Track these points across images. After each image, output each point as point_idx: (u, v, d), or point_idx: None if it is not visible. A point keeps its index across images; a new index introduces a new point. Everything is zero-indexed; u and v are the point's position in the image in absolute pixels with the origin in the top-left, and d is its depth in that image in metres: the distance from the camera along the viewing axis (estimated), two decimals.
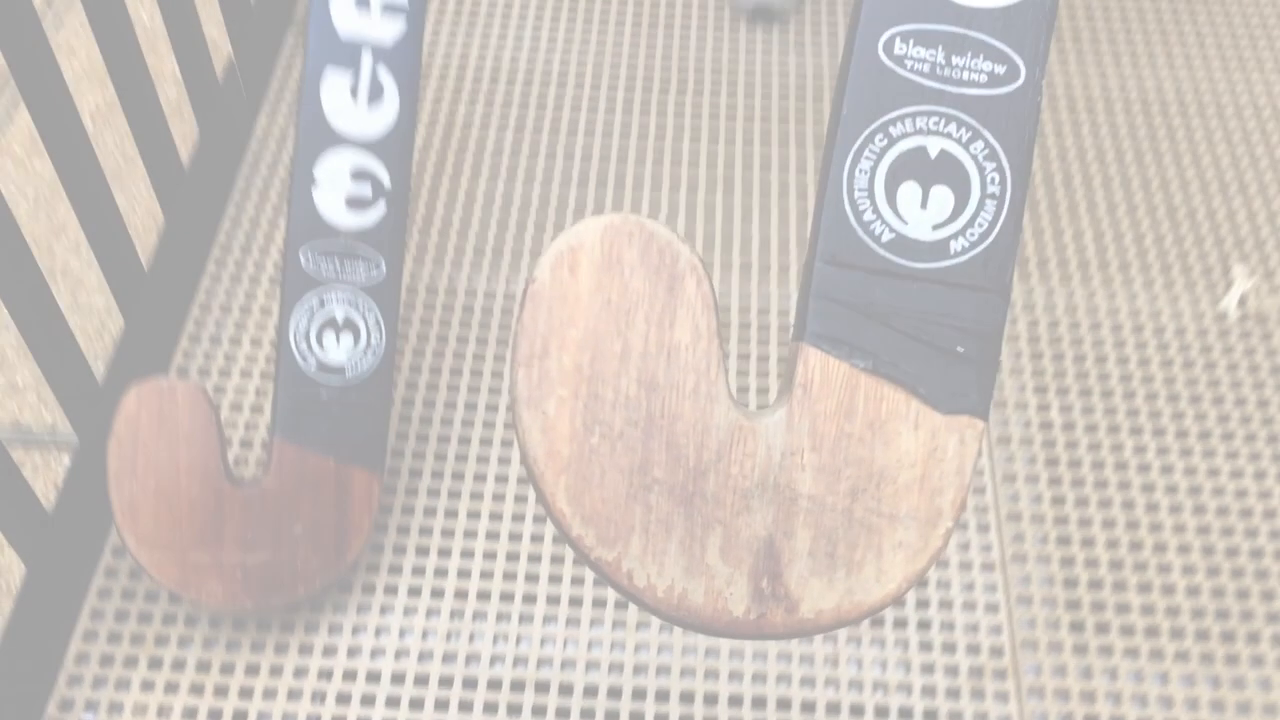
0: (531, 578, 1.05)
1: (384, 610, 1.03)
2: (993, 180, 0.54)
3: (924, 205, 0.54)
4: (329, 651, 1.01)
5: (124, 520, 0.97)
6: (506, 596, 1.04)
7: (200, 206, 1.28)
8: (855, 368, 0.53)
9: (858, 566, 0.53)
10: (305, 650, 1.01)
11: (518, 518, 1.09)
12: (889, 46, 0.54)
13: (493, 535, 1.07)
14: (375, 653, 1.01)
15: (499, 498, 1.10)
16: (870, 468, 0.53)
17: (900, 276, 0.53)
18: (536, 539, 1.07)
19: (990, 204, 0.54)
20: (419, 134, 1.36)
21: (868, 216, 0.53)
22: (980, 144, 0.54)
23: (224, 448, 1.00)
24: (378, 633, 1.02)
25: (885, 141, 0.53)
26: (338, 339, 1.03)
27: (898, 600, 0.53)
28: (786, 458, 0.53)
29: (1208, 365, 1.19)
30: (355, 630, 1.02)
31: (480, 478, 1.11)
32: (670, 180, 1.34)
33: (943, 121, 0.53)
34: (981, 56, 0.54)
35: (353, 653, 1.01)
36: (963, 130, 0.53)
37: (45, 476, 1.20)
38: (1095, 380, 1.18)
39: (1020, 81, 0.54)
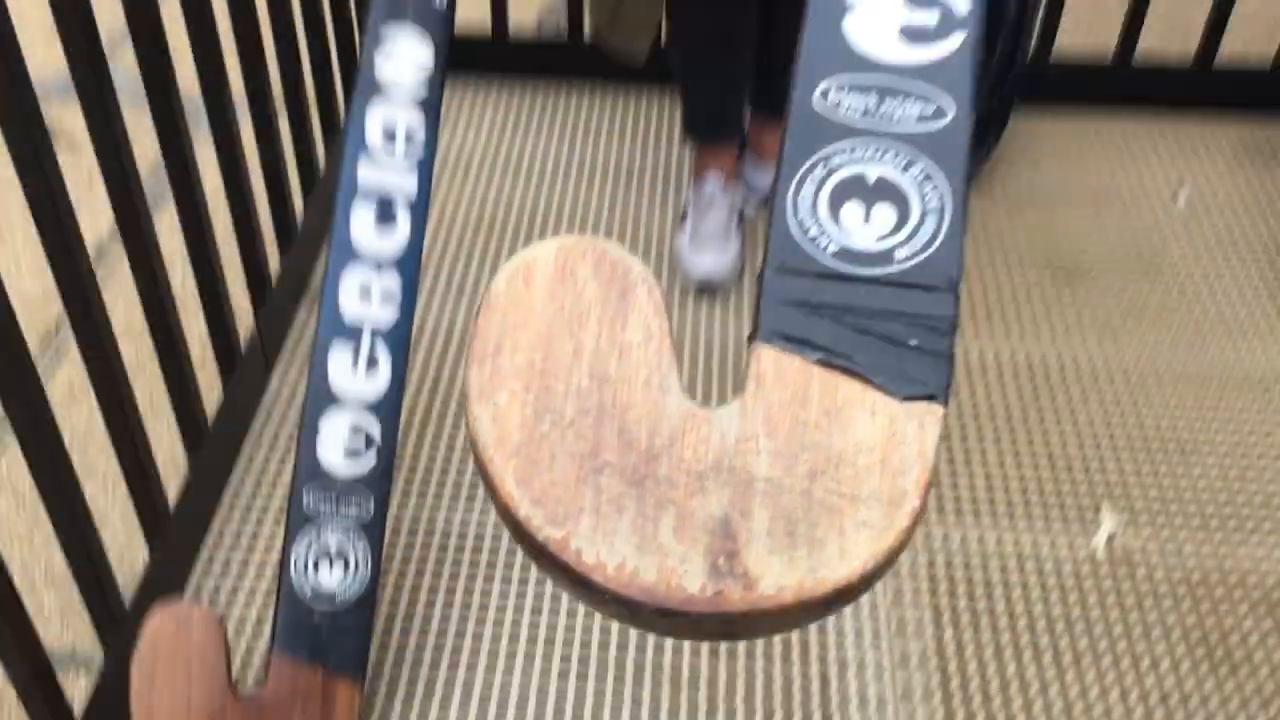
0: None
1: None
2: (931, 198, 0.58)
3: (867, 220, 0.58)
4: None
5: None
6: None
7: (219, 452, 1.49)
8: (809, 360, 0.55)
9: (819, 545, 0.52)
10: None
11: None
12: (824, 95, 0.61)
13: None
14: None
15: (463, 707, 1.26)
16: (828, 452, 0.54)
17: (849, 280, 0.57)
18: None
19: (932, 217, 0.58)
20: (408, 392, 1.58)
21: (813, 233, 0.58)
22: (917, 168, 0.59)
23: (230, 663, 1.17)
24: None
25: (825, 171, 0.59)
26: (330, 567, 1.22)
27: (867, 579, 0.52)
28: (741, 443, 0.53)
29: (1080, 596, 1.38)
30: None
31: (449, 684, 1.28)
32: None
33: (879, 152, 0.59)
34: (911, 100, 0.60)
35: None
36: (899, 158, 0.59)
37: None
38: (984, 609, 1.37)
39: (949, 119, 0.59)
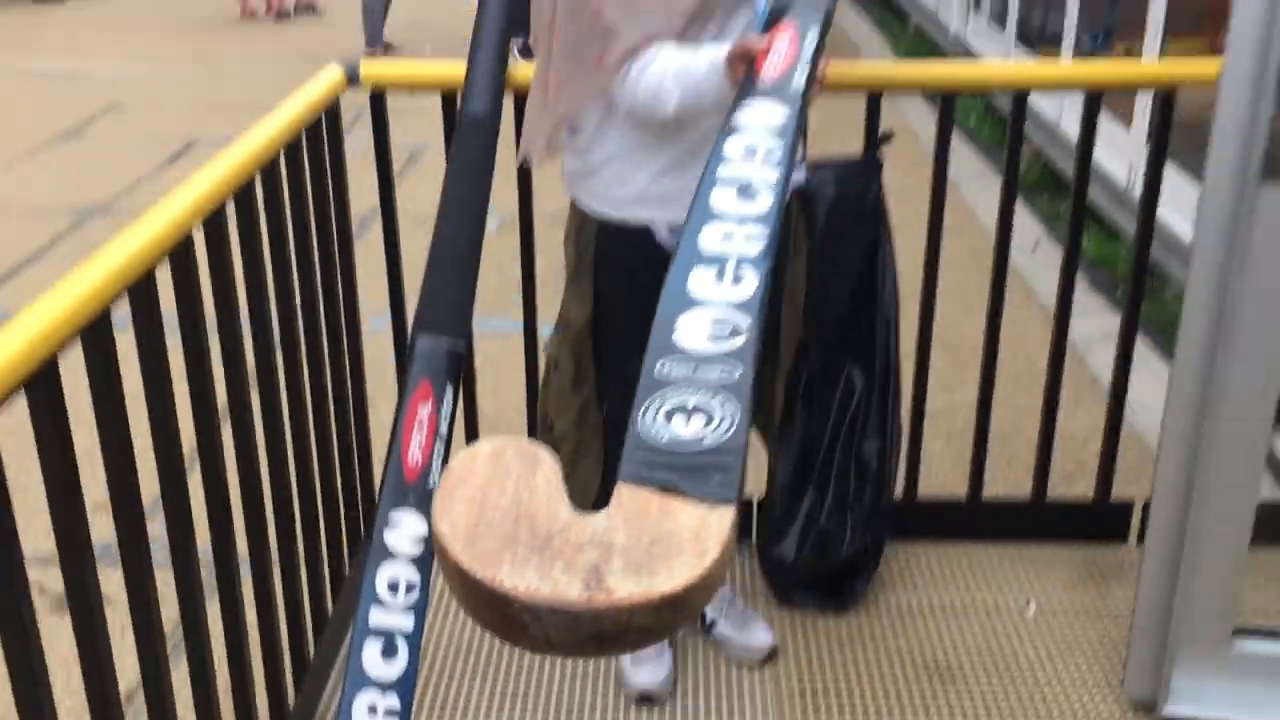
0: None
1: None
2: (729, 412, 1.04)
3: (687, 424, 1.03)
4: None
5: None
6: None
7: None
8: (650, 489, 0.98)
9: (655, 574, 0.92)
10: None
11: None
12: (662, 366, 1.08)
13: None
14: None
15: None
16: (661, 531, 0.94)
17: (675, 452, 1.01)
18: None
19: (727, 420, 1.03)
20: None
21: (653, 431, 1.02)
22: (719, 398, 1.05)
23: None
24: None
25: (661, 401, 1.05)
26: None
27: (690, 590, 0.90)
28: (606, 530, 0.95)
29: None
30: None
31: None
32: None
33: (695, 392, 1.08)
34: (715, 368, 1.07)
35: None
36: (707, 392, 1.07)
37: None
38: None
39: (739, 374, 1.07)
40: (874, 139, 2.26)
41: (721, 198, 1.31)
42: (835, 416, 2.28)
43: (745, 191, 1.31)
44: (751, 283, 1.22)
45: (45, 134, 6.35)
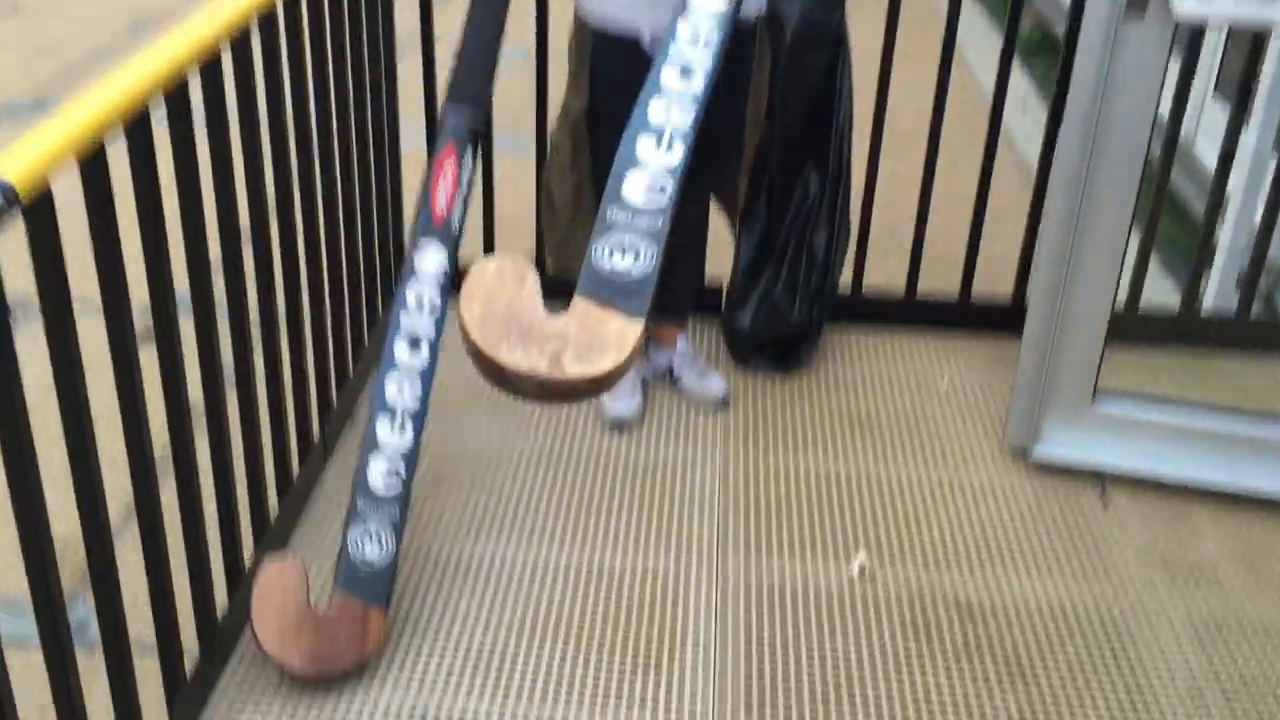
0: None
1: None
2: (649, 251, 1.66)
3: (623, 259, 1.63)
4: None
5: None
6: None
7: (293, 505, 2.31)
8: (594, 303, 1.59)
9: (591, 361, 1.55)
10: None
11: None
12: (611, 214, 1.67)
13: None
14: None
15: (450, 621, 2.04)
16: (597, 333, 1.57)
17: (614, 279, 1.63)
18: None
19: (647, 257, 1.64)
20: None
21: (601, 261, 1.65)
22: (645, 241, 1.66)
23: (309, 593, 1.96)
24: None
25: (608, 240, 1.66)
26: (372, 545, 2.03)
27: (610, 374, 1.53)
28: (565, 328, 1.57)
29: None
30: None
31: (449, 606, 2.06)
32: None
33: (630, 234, 1.68)
34: (645, 217, 1.67)
35: None
36: (638, 236, 1.68)
37: None
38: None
39: (660, 225, 1.67)
40: None
41: (669, 75, 1.76)
42: (793, 210, 2.73)
43: (685, 72, 1.75)
44: (679, 152, 1.70)
45: None
